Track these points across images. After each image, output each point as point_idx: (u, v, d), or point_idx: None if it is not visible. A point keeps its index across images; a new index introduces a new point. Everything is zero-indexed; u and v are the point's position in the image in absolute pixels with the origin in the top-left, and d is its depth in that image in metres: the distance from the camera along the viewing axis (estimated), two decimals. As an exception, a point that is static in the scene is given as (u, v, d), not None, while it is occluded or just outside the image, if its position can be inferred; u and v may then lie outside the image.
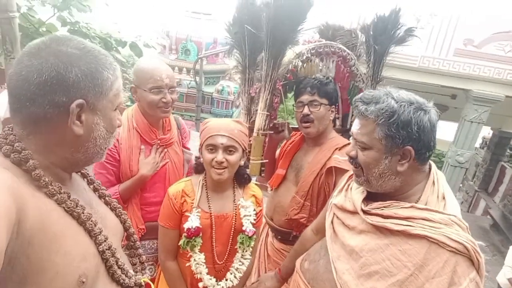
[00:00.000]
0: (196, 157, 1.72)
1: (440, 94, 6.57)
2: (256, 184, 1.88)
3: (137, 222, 1.95)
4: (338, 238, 1.34)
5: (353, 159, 1.26)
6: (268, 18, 1.88)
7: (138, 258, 1.20)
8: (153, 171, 1.93)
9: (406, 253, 1.12)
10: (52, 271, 0.77)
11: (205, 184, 1.74)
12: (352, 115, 2.41)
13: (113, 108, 0.93)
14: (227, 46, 2.21)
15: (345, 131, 2.49)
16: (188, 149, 2.26)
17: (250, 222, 1.73)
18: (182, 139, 2.18)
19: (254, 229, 1.74)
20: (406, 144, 1.15)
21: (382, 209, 1.21)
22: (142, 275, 1.15)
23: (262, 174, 2.22)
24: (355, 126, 1.25)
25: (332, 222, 1.41)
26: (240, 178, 1.79)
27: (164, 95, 1.85)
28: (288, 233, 2.09)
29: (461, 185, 8.67)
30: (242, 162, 1.71)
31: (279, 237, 2.18)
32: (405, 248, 1.13)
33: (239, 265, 1.78)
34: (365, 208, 1.25)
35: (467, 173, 7.57)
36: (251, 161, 2.08)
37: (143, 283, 1.11)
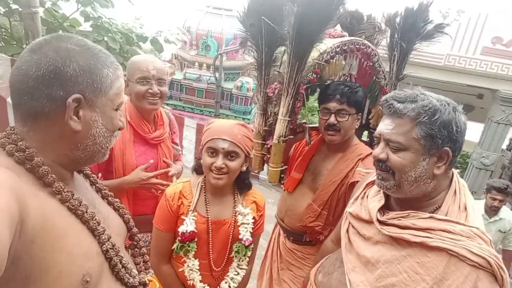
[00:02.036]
0: (197, 158, 1.67)
1: (466, 94, 6.40)
2: (273, 185, 1.80)
3: None
4: (353, 248, 1.29)
5: (382, 162, 1.17)
6: (294, 17, 1.66)
7: (142, 257, 1.19)
8: (136, 185, 1.93)
9: (424, 266, 1.07)
10: (56, 270, 0.76)
11: (204, 186, 1.64)
12: (370, 111, 2.32)
13: (113, 107, 0.91)
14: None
15: (361, 127, 2.41)
16: (177, 144, 2.28)
17: (248, 230, 1.64)
18: (171, 134, 2.20)
19: (251, 239, 1.65)
20: (445, 145, 1.10)
21: (399, 219, 1.16)
22: (146, 274, 1.15)
23: (282, 181, 2.14)
24: (386, 126, 1.16)
25: (347, 231, 1.36)
26: (241, 184, 1.69)
27: (150, 86, 1.88)
28: (301, 235, 2.05)
29: (485, 188, 8.40)
30: (244, 168, 1.62)
31: (291, 238, 2.13)
32: (424, 261, 1.08)
33: (234, 274, 1.70)
34: (381, 219, 1.20)
35: (492, 175, 7.35)
36: (270, 169, 1.99)
37: (147, 282, 1.10)
